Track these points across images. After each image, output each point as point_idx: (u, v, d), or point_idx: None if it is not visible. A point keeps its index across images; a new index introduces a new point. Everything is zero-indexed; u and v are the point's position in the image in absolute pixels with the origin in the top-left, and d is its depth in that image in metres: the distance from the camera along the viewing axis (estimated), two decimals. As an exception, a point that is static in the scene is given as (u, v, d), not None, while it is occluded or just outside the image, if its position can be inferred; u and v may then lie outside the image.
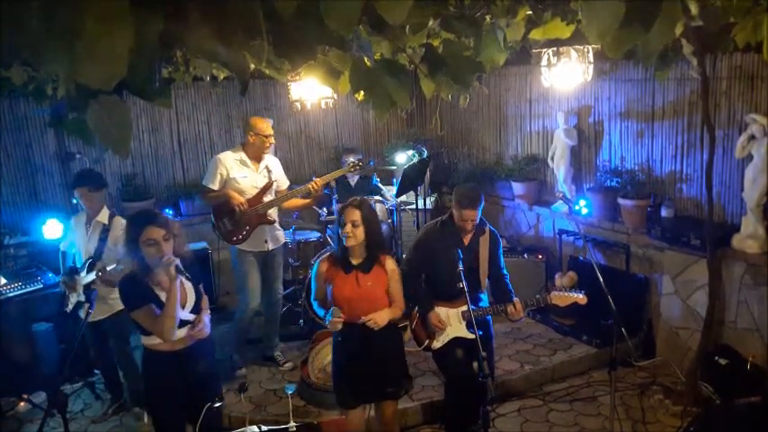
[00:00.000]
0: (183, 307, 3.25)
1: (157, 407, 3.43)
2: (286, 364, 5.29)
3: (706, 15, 2.23)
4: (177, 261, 3.14)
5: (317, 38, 1.54)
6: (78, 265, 4.43)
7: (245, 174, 4.85)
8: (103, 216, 4.42)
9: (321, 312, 3.61)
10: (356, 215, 3.37)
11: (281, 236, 5.19)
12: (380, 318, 3.40)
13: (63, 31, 1.07)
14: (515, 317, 3.96)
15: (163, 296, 3.20)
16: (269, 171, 4.94)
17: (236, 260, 4.92)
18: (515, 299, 3.94)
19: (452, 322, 3.97)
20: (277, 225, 5.06)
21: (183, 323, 3.25)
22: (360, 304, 3.42)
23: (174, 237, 3.20)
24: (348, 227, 3.36)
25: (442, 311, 3.97)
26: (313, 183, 4.86)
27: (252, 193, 4.84)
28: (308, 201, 5.06)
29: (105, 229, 4.38)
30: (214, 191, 4.79)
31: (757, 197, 4.39)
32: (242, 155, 4.86)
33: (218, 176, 4.79)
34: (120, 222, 4.38)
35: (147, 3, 1.24)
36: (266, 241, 4.97)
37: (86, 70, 1.10)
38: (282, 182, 5.10)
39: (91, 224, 4.41)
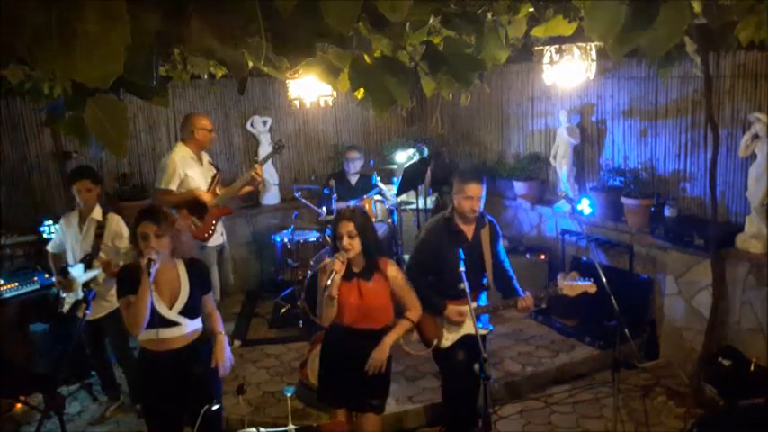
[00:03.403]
0: (171, 308, 3.23)
1: (149, 406, 3.46)
2: (235, 342, 5.49)
3: (709, 13, 2.20)
4: (155, 257, 3.11)
5: (316, 35, 1.51)
6: (71, 265, 4.40)
7: (196, 170, 4.97)
8: (97, 213, 4.43)
9: (324, 304, 3.53)
10: (350, 227, 3.31)
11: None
12: (382, 355, 3.35)
13: (60, 29, 1.07)
14: (525, 311, 3.95)
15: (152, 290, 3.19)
16: (211, 164, 5.15)
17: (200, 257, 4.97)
18: (527, 293, 3.89)
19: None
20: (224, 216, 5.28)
21: (171, 323, 3.22)
22: (363, 312, 3.37)
23: (172, 235, 3.21)
24: (345, 239, 3.31)
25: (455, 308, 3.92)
26: (254, 170, 5.09)
27: (204, 187, 4.99)
28: (252, 187, 5.29)
29: (100, 226, 4.39)
30: (172, 192, 4.83)
31: (761, 196, 4.36)
32: (189, 152, 4.96)
33: (177, 177, 4.84)
34: (116, 218, 4.47)
35: (145, 0, 1.21)
36: (222, 234, 5.19)
37: (83, 69, 1.10)
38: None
39: (85, 222, 4.42)
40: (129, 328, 3.22)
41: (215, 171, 5.15)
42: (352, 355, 3.39)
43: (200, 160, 5.04)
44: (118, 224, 4.46)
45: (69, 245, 4.46)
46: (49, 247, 4.64)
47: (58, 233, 4.59)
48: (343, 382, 3.45)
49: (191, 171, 4.91)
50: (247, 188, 5.26)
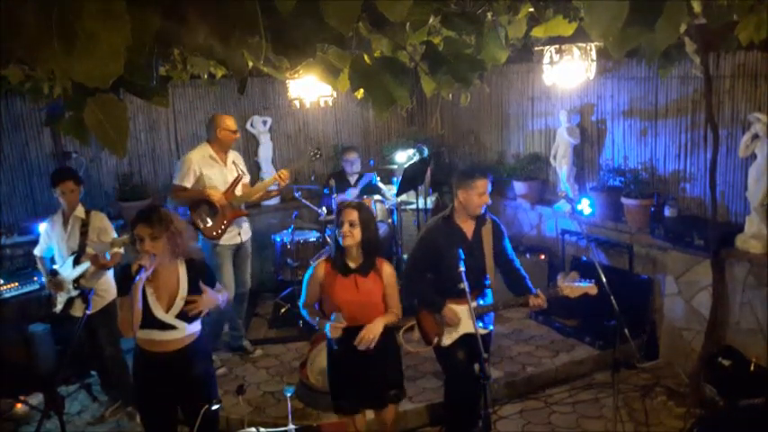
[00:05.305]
0: (168, 311, 3.21)
1: (143, 406, 3.46)
2: (256, 351, 5.48)
3: (709, 13, 2.20)
4: (146, 263, 3.08)
5: (317, 35, 1.51)
6: (59, 265, 4.46)
7: (216, 169, 5.03)
8: (80, 212, 4.51)
9: (309, 319, 3.59)
10: (354, 215, 3.35)
11: (248, 227, 5.36)
12: (375, 330, 3.37)
13: (60, 29, 1.06)
14: (536, 308, 3.94)
15: (149, 292, 3.18)
16: (236, 165, 5.18)
17: (211, 254, 5.00)
18: (538, 291, 3.87)
19: (463, 318, 3.91)
20: (245, 217, 5.27)
21: (167, 326, 3.21)
22: (360, 308, 3.39)
23: (168, 237, 3.16)
24: (346, 226, 3.35)
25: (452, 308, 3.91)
26: (280, 174, 5.10)
27: (223, 187, 5.01)
28: (275, 191, 5.33)
29: (84, 224, 4.47)
30: (186, 189, 4.91)
31: (761, 196, 4.35)
32: (210, 151, 5.04)
33: (192, 175, 4.92)
34: (99, 215, 4.56)
35: (144, 0, 1.21)
36: (239, 234, 5.18)
37: (83, 68, 1.09)
38: (246, 175, 5.30)
39: (69, 222, 4.49)
40: (120, 330, 3.22)
41: (236, 173, 5.13)
42: (359, 354, 3.39)
43: (222, 161, 5.07)
44: (102, 221, 4.54)
45: (56, 245, 4.52)
46: (36, 252, 4.68)
47: (43, 237, 4.63)
48: (359, 382, 3.48)
49: (208, 170, 4.97)
50: (269, 193, 5.30)
